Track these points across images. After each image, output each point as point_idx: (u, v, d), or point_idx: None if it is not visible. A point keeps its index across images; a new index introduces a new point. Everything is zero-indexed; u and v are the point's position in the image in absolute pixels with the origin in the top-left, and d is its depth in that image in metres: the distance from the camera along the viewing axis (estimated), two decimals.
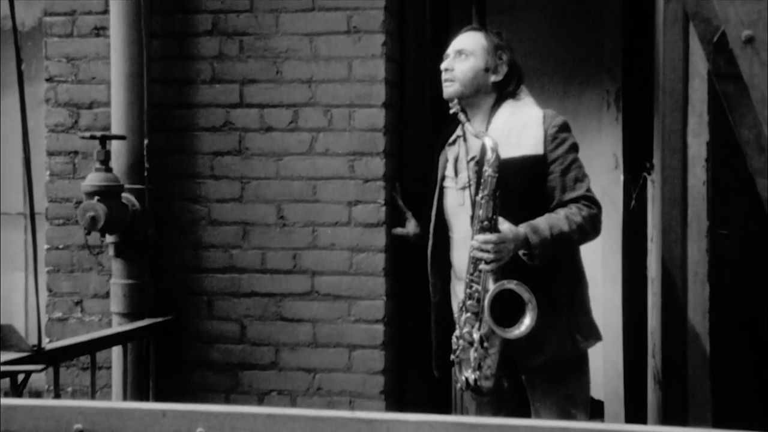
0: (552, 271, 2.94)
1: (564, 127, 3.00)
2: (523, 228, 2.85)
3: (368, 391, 3.53)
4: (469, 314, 2.88)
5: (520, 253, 2.87)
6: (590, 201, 2.97)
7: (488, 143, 2.83)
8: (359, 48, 3.53)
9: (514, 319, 2.76)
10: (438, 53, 3.32)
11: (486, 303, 2.77)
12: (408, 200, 3.55)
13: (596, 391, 4.91)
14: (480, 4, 5.16)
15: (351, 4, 3.53)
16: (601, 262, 5.63)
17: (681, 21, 3.41)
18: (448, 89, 3.08)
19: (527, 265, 2.89)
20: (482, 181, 2.83)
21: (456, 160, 3.14)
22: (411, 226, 3.48)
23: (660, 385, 3.74)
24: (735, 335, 3.43)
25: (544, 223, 2.87)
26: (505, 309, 2.77)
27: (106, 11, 3.64)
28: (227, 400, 3.61)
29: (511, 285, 2.77)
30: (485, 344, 2.84)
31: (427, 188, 3.29)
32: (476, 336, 2.85)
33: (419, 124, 3.70)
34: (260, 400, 3.61)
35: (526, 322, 2.75)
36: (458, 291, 3.07)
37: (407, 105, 3.70)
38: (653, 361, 4.26)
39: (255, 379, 3.61)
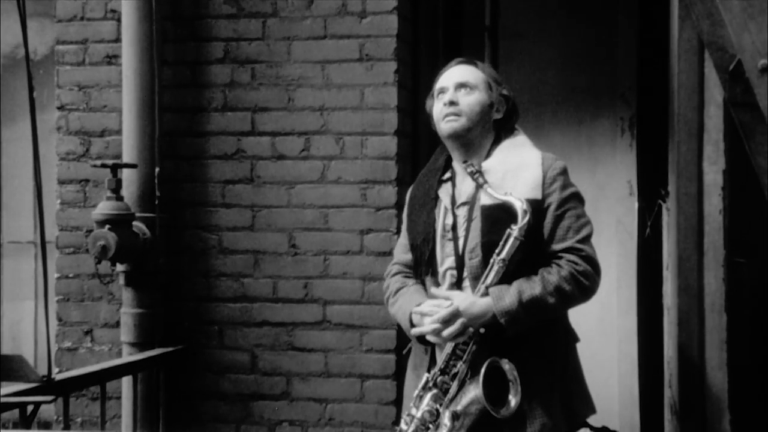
0: (546, 334, 2.62)
1: (564, 172, 2.66)
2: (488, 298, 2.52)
3: (380, 421, 3.49)
4: (436, 390, 2.54)
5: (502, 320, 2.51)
6: (578, 255, 2.57)
7: (516, 204, 2.52)
8: (371, 75, 3.52)
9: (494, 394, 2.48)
10: None
11: (480, 380, 2.45)
12: None
13: (611, 421, 4.85)
14: (492, 32, 5.17)
15: (363, 32, 3.52)
16: (615, 291, 5.58)
17: (696, 49, 3.38)
18: (454, 124, 2.67)
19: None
20: (505, 242, 2.51)
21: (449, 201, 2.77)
22: None
23: (677, 417, 3.68)
24: (753, 366, 3.37)
25: (514, 289, 2.53)
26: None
27: (118, 39, 3.64)
28: (238, 431, 3.58)
29: (504, 365, 2.49)
30: (456, 423, 2.51)
31: None
32: (447, 415, 2.51)
33: (432, 151, 3.67)
34: (271, 431, 3.57)
35: (513, 402, 2.47)
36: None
37: (420, 132, 3.68)
38: (669, 392, 4.20)
39: (266, 409, 3.58)
